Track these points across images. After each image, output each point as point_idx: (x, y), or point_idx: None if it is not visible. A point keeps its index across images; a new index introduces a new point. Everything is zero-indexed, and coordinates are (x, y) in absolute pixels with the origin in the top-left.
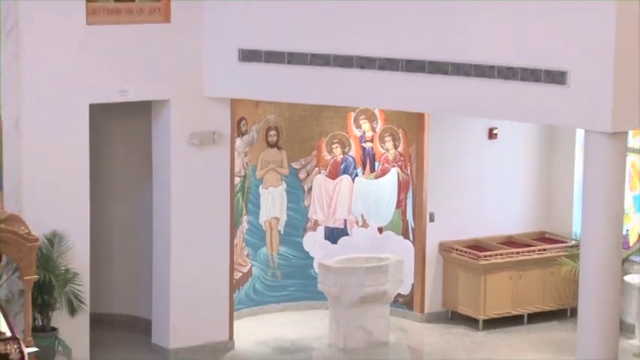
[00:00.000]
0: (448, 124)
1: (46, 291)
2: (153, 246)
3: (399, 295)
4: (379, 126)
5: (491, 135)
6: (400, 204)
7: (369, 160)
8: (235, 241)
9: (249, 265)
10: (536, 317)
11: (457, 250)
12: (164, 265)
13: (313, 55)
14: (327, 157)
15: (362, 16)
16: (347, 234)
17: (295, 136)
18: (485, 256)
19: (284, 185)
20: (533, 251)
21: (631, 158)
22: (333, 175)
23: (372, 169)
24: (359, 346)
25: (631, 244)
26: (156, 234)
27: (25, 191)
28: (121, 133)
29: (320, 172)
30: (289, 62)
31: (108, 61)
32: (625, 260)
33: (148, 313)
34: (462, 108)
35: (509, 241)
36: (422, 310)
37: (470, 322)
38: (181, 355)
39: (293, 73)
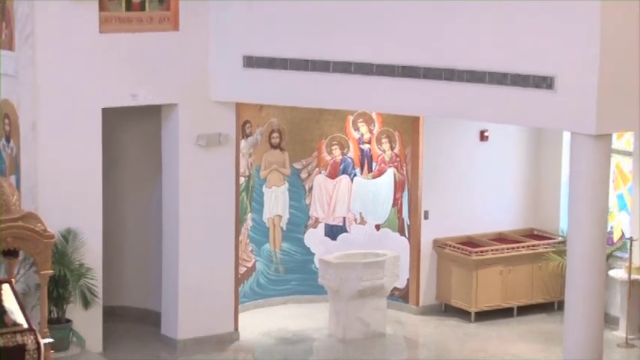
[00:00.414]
0: (442, 127)
1: (61, 285)
2: (162, 242)
3: (395, 288)
4: (376, 128)
5: (483, 137)
6: (396, 202)
7: (366, 160)
8: (240, 238)
9: (254, 260)
10: (525, 310)
11: (450, 246)
12: (173, 261)
13: (313, 62)
14: (327, 157)
15: (360, 25)
16: (346, 231)
17: (297, 138)
18: (477, 252)
19: (286, 185)
20: (523, 247)
21: (615, 159)
22: (332, 175)
23: (370, 170)
24: (357, 337)
25: (615, 240)
26: (165, 231)
27: (41, 190)
28: (132, 136)
29: (320, 172)
30: (291, 68)
31: (119, 67)
32: (609, 256)
33: (157, 305)
34: (455, 111)
35: (500, 238)
36: (417, 303)
37: (462, 314)
38: (189, 345)
39: (294, 79)
